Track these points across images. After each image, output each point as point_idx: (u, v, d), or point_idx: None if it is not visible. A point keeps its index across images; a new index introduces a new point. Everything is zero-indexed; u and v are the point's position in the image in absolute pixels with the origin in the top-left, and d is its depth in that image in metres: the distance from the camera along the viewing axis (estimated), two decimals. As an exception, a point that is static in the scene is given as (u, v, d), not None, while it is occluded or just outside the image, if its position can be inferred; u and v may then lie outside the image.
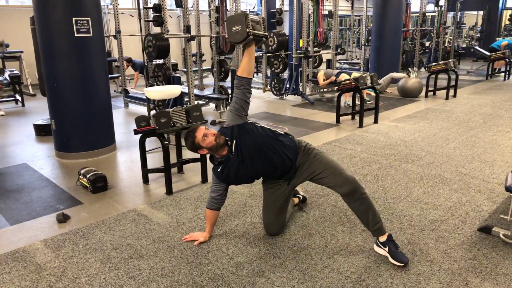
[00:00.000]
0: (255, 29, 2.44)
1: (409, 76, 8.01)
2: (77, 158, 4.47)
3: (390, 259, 2.43)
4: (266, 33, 2.56)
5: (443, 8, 11.65)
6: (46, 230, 2.94)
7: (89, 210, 3.24)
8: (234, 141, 2.47)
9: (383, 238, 2.49)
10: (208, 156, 2.66)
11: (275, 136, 2.59)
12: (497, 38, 14.94)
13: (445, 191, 3.45)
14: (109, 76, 6.52)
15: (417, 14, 10.75)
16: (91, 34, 4.31)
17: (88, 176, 3.55)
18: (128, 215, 3.13)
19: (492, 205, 3.18)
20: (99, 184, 3.57)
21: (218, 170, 2.58)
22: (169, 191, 3.51)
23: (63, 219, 3.04)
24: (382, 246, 2.49)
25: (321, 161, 2.57)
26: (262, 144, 2.51)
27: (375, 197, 3.37)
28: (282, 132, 2.69)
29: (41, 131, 5.54)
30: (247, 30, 2.36)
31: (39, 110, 7.17)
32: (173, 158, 3.87)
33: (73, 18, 4.16)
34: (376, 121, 5.92)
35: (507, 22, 15.90)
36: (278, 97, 8.14)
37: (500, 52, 10.10)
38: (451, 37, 13.04)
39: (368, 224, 2.50)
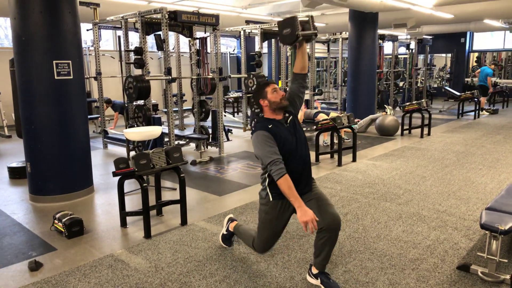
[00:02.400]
0: (305, 28, 2.64)
1: (386, 113, 8.27)
2: (53, 201, 4.35)
3: None
4: (316, 31, 2.70)
5: (413, 51, 12.25)
6: (17, 279, 2.80)
7: (64, 257, 3.12)
8: (291, 116, 2.61)
9: (316, 270, 2.60)
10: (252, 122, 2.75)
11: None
12: (466, 80, 15.73)
13: (423, 229, 3.50)
14: (88, 116, 6.49)
15: (390, 56, 11.25)
16: (72, 77, 4.33)
17: (63, 220, 3.45)
18: (105, 260, 3.03)
19: (469, 242, 3.23)
20: (75, 229, 3.47)
21: (269, 126, 2.49)
22: (147, 234, 3.43)
23: (35, 267, 2.91)
24: (314, 277, 2.61)
25: (317, 192, 2.64)
26: (306, 140, 2.63)
27: (356, 236, 3.38)
28: None
29: (16, 174, 5.39)
30: (296, 32, 2.58)
31: (14, 152, 7.02)
32: (152, 200, 3.82)
33: (54, 61, 4.19)
34: (354, 160, 6.02)
35: (474, 64, 16.81)
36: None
37: (469, 92, 10.59)
38: (423, 78, 13.64)
39: (319, 257, 2.57)
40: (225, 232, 3.18)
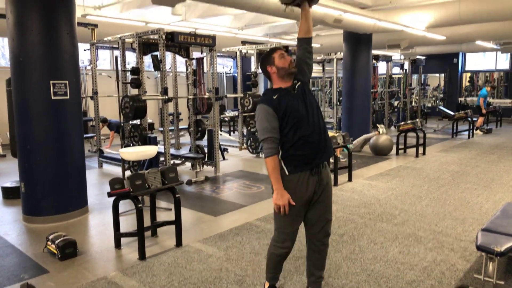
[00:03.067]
0: None
1: (379, 132, 8.32)
2: (47, 222, 4.30)
3: None
4: None
5: (407, 71, 12.44)
6: (8, 302, 2.75)
7: (56, 280, 3.07)
8: (300, 82, 2.50)
9: None
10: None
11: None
12: (460, 99, 15.93)
13: (420, 250, 3.48)
14: (84, 136, 6.50)
15: (384, 76, 11.41)
16: (68, 97, 4.35)
17: (56, 242, 3.41)
18: (98, 283, 2.98)
19: (466, 264, 3.21)
20: (68, 250, 3.42)
21: (274, 97, 2.41)
22: (142, 256, 3.39)
23: (27, 290, 2.86)
24: None
25: (330, 190, 2.56)
26: (318, 106, 2.53)
27: (352, 257, 3.35)
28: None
29: (9, 194, 5.34)
30: None
31: (8, 172, 6.96)
32: (147, 221, 3.79)
33: (51, 81, 4.21)
34: (350, 179, 6.03)
35: (467, 84, 17.05)
36: (254, 155, 8.23)
37: (463, 112, 10.71)
38: (417, 97, 13.80)
39: (313, 276, 2.64)
40: None
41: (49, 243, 3.50)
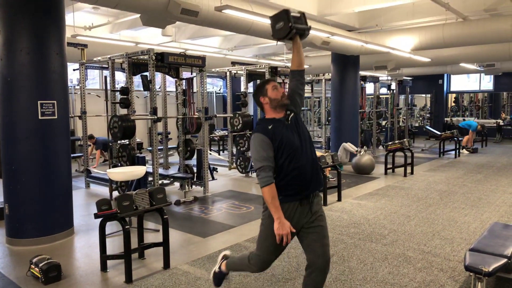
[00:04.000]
0: (297, 23, 2.57)
1: (359, 153, 8.40)
2: (31, 244, 4.19)
3: None
4: (308, 26, 2.65)
5: (394, 91, 12.66)
6: (-13, 329, 2.65)
7: (39, 304, 2.98)
8: (293, 113, 2.53)
9: None
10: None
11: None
12: (446, 119, 16.21)
13: (409, 271, 3.47)
14: (72, 155, 6.42)
15: (372, 96, 11.58)
16: (56, 117, 4.31)
17: (40, 265, 3.32)
18: (82, 308, 2.90)
19: (455, 284, 3.21)
20: (52, 274, 3.33)
21: (269, 127, 2.42)
22: (128, 279, 3.31)
23: (8, 315, 2.77)
24: None
25: (323, 225, 2.52)
26: (310, 138, 2.55)
27: (342, 279, 3.33)
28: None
29: (-7, 214, 5.21)
30: (290, 24, 2.51)
31: (-7, 192, 6.81)
32: (134, 242, 3.72)
33: (39, 101, 4.18)
34: (339, 199, 6.03)
35: (453, 104, 17.40)
36: (244, 174, 8.21)
37: (449, 132, 10.88)
38: (404, 117, 14.01)
39: None
40: (217, 270, 2.97)
41: (32, 266, 3.40)
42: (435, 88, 16.66)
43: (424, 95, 17.87)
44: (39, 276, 3.31)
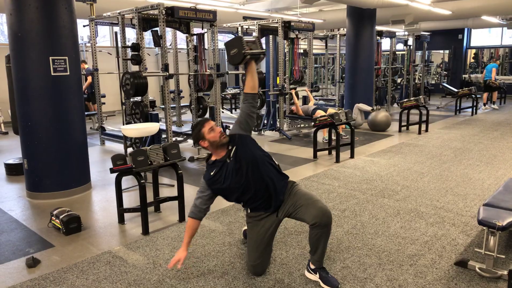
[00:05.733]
0: (252, 49, 2.63)
1: (373, 110, 8.29)
2: (50, 198, 4.33)
3: (321, 284, 2.54)
4: (263, 50, 2.72)
5: (411, 48, 12.25)
6: (15, 275, 2.80)
7: (61, 253, 3.11)
8: (235, 147, 2.56)
9: (313, 265, 2.61)
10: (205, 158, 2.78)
11: (270, 161, 2.67)
12: (464, 76, 15.74)
13: (421, 225, 3.50)
14: (86, 113, 6.47)
15: (388, 53, 11.24)
16: (68, 73, 4.31)
17: (61, 217, 3.44)
18: (103, 257, 3.02)
19: (467, 238, 3.23)
20: (73, 225, 3.46)
21: (211, 173, 2.59)
22: (145, 231, 3.42)
23: (32, 263, 2.90)
24: (312, 272, 2.62)
25: (301, 192, 2.65)
26: (260, 159, 2.58)
27: (354, 232, 3.38)
28: (277, 164, 2.76)
29: (13, 170, 5.37)
30: (243, 51, 2.60)
31: (11, 149, 6.98)
32: (150, 197, 3.81)
33: (50, 58, 4.16)
34: (352, 156, 6.02)
35: (472, 60, 16.81)
36: (257, 132, 8.22)
37: (466, 88, 10.59)
38: (420, 74, 13.64)
39: (315, 254, 2.58)
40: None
41: (53, 218, 3.53)
42: (454, 44, 16.06)
43: (442, 51, 17.27)
44: (60, 227, 3.44)
